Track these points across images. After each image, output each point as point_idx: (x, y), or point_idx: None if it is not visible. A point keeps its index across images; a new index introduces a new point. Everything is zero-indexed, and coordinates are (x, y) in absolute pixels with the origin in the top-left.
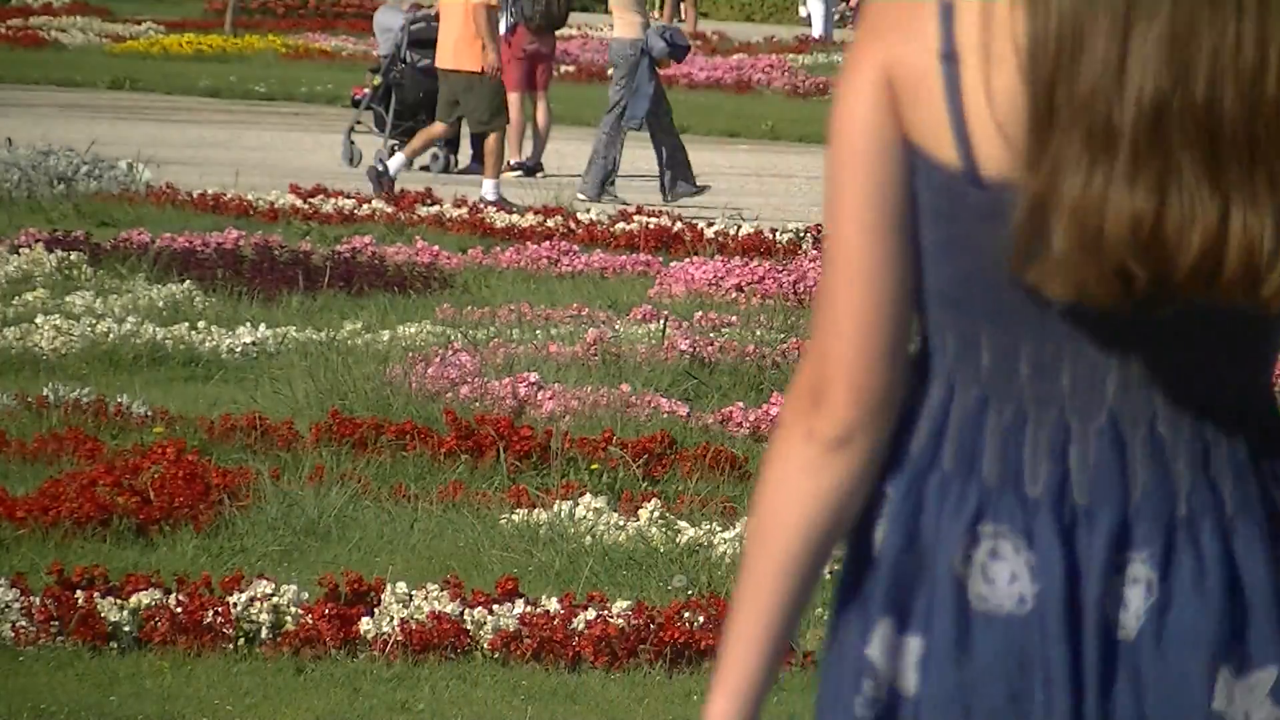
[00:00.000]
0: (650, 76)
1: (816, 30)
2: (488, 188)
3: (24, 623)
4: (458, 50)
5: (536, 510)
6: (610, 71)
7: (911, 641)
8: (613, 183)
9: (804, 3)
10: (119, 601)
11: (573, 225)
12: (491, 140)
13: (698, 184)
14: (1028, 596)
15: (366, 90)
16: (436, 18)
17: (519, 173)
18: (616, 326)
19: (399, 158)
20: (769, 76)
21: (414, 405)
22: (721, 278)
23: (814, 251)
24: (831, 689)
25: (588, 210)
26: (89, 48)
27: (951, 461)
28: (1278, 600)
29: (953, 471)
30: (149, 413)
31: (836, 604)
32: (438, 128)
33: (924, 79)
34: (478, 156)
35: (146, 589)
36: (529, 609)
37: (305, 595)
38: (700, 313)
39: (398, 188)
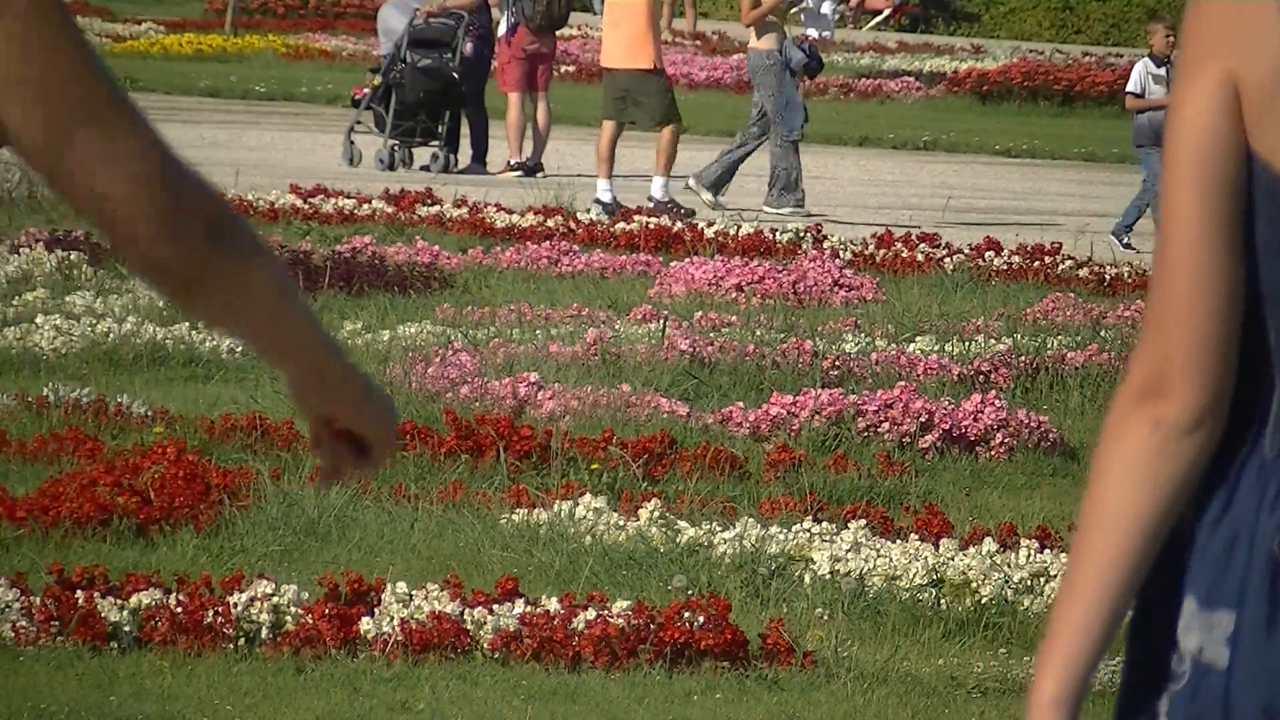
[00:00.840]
0: (794, 85)
1: (820, 31)
2: (657, 186)
3: (24, 623)
4: (630, 49)
5: (536, 510)
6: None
7: (1220, 617)
8: (796, 188)
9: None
10: (119, 601)
11: (573, 225)
12: (667, 136)
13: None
14: None
15: (366, 90)
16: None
17: (519, 173)
18: (616, 326)
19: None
20: None
21: (414, 405)
22: (721, 278)
23: (813, 251)
24: (1138, 660)
25: (587, 211)
26: None
27: (1272, 451)
28: None
29: (1273, 461)
30: (149, 413)
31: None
32: (609, 129)
33: (1270, 95)
34: (479, 157)
35: (146, 589)
36: (529, 609)
37: (305, 595)
38: (700, 313)
39: (399, 187)
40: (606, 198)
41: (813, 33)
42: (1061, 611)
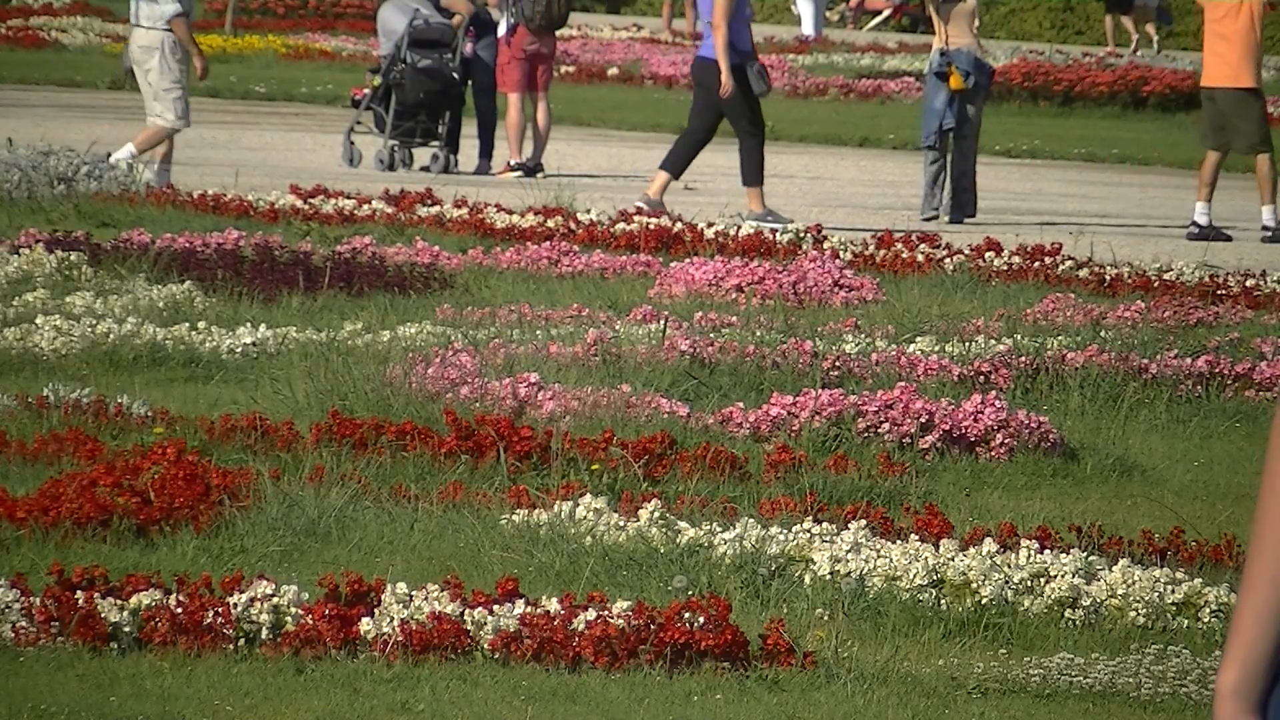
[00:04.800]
0: (938, 93)
1: (806, 29)
2: (1267, 214)
3: (24, 623)
4: (1239, 65)
5: (536, 511)
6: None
7: None
8: (935, 197)
9: (794, 3)
10: (119, 602)
11: (573, 225)
12: (1264, 167)
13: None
14: None
15: (366, 90)
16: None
17: (519, 173)
18: (616, 327)
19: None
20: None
21: (414, 405)
22: (721, 278)
23: (813, 252)
24: None
25: (588, 211)
26: (89, 48)
27: None
28: None
29: None
30: (149, 413)
31: None
32: (1213, 158)
33: None
34: (485, 153)
35: (146, 589)
36: (529, 609)
37: (305, 595)
38: (700, 313)
39: (398, 187)
40: (1204, 221)
41: (808, 31)
42: (1241, 605)
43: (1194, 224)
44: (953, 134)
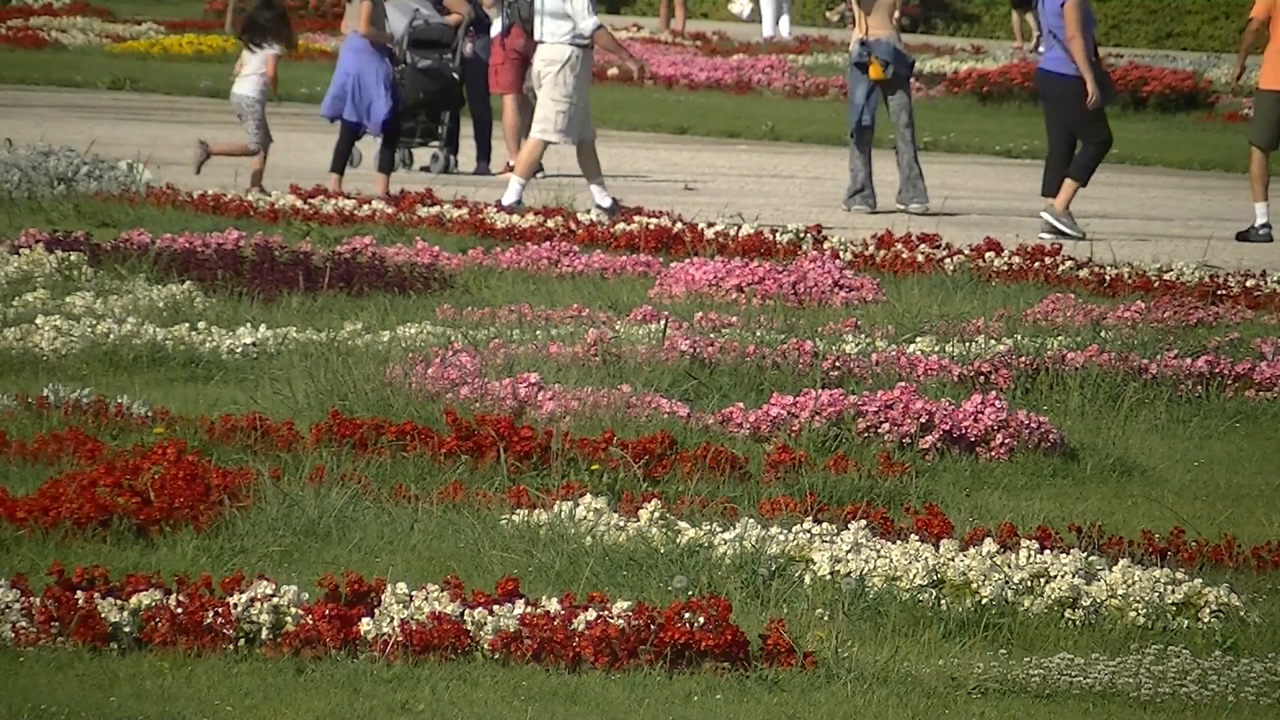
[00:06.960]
0: (858, 85)
1: (767, 30)
2: None
3: (24, 623)
4: None
5: (537, 511)
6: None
7: None
8: (856, 193)
9: (732, 2)
10: (119, 602)
11: (573, 226)
12: None
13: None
14: None
15: None
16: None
17: None
18: (616, 327)
19: (1261, 207)
20: (769, 77)
21: (414, 406)
22: (721, 278)
23: (813, 252)
24: None
25: (588, 211)
26: (89, 48)
27: None
28: None
29: None
30: (149, 413)
31: None
32: (1258, 154)
33: None
34: (483, 154)
35: (146, 589)
36: (529, 609)
37: (305, 596)
38: (700, 313)
39: (399, 188)
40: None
41: (768, 32)
42: None
43: (1265, 225)
44: (896, 124)
